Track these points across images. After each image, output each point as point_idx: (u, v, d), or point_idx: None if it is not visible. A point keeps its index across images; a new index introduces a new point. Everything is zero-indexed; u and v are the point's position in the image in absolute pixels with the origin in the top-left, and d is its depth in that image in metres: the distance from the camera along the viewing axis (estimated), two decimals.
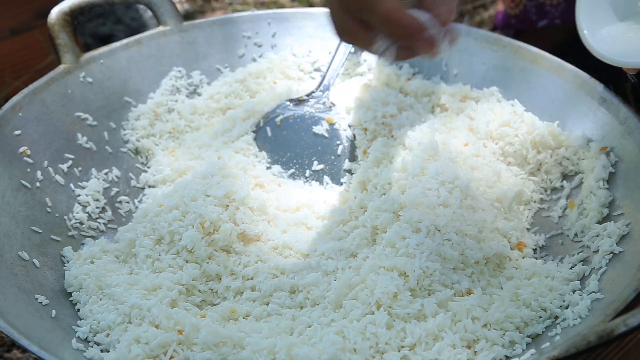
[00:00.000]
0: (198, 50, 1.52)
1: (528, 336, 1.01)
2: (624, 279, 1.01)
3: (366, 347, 0.96)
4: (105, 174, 1.34)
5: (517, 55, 1.40)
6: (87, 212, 1.27)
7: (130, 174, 1.37)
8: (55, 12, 1.35)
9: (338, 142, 1.35)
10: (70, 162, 1.30)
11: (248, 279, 1.13)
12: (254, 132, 1.40)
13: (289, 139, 1.37)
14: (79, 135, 1.34)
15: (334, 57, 1.47)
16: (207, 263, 1.13)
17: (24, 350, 1.29)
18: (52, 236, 1.19)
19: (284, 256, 1.18)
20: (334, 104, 1.40)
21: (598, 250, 1.10)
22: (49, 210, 1.22)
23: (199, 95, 1.50)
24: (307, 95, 1.42)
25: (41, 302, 1.06)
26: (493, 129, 1.32)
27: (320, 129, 1.36)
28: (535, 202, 1.27)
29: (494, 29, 2.06)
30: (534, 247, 1.20)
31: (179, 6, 2.33)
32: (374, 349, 0.96)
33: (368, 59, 1.53)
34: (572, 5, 1.28)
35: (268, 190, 1.30)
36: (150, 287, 1.08)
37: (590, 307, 1.00)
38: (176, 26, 1.50)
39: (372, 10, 0.98)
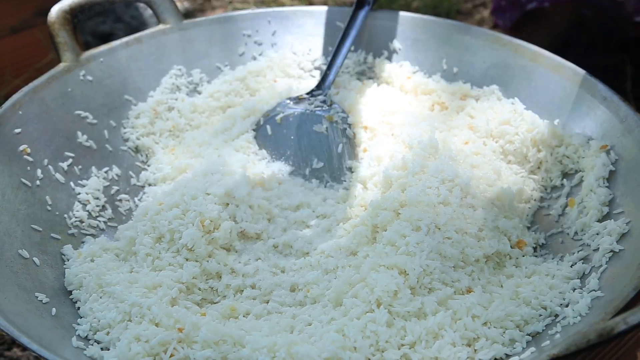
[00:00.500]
0: (198, 49, 1.52)
1: (528, 334, 1.01)
2: (624, 277, 1.01)
3: (366, 345, 0.96)
4: (106, 172, 1.34)
5: (517, 53, 1.40)
6: (87, 211, 1.27)
7: (131, 172, 1.38)
8: (55, 11, 1.35)
9: (338, 140, 1.35)
10: (70, 160, 1.30)
11: (248, 277, 1.13)
12: (254, 130, 1.40)
13: (289, 137, 1.37)
14: (79, 133, 1.34)
15: (334, 55, 1.47)
16: (207, 261, 1.13)
17: (24, 348, 1.29)
18: (52, 234, 1.19)
19: (284, 254, 1.18)
20: (334, 102, 1.40)
21: (598, 248, 1.10)
22: (49, 208, 1.22)
23: (199, 93, 1.50)
24: (308, 94, 1.42)
25: (41, 301, 1.06)
26: (493, 127, 1.32)
27: (321, 127, 1.36)
28: (535, 200, 1.27)
29: (494, 26, 2.06)
30: (534, 246, 1.20)
31: (179, 4, 2.33)
32: (374, 347, 0.96)
33: (368, 57, 1.53)
34: None
35: (268, 188, 1.30)
36: (150, 285, 1.08)
37: (590, 305, 1.00)
38: (176, 24, 1.50)
39: None
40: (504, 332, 1.00)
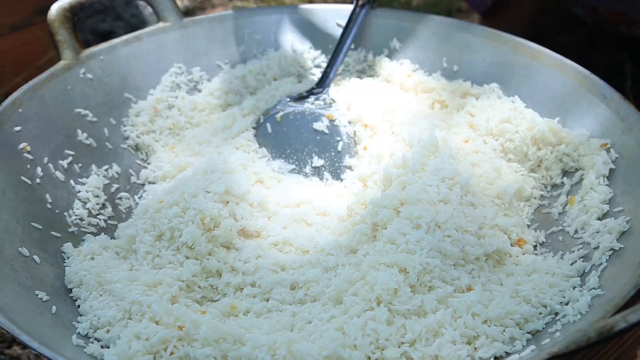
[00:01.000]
0: (198, 47, 1.52)
1: (528, 332, 1.01)
2: (624, 275, 1.01)
3: (366, 343, 0.96)
4: (106, 170, 1.34)
5: (517, 51, 1.40)
6: (87, 209, 1.27)
7: (131, 171, 1.38)
8: (55, 9, 1.35)
9: (338, 138, 1.35)
10: (70, 158, 1.30)
11: (248, 275, 1.13)
12: (254, 128, 1.40)
13: (289, 135, 1.37)
14: (79, 131, 1.34)
15: (334, 53, 1.46)
16: (207, 259, 1.13)
17: (24, 346, 1.29)
18: (52, 232, 1.19)
19: (284, 252, 1.18)
20: (334, 100, 1.40)
21: (598, 246, 1.10)
22: (49, 206, 1.22)
23: (199, 91, 1.50)
24: (308, 92, 1.42)
25: (41, 298, 1.06)
26: (493, 125, 1.32)
27: (321, 125, 1.36)
28: (535, 198, 1.27)
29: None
30: (534, 244, 1.20)
31: (179, 2, 2.32)
32: (374, 345, 0.96)
33: (368, 55, 1.53)
34: None
35: (268, 186, 1.30)
36: (150, 283, 1.08)
37: (590, 304, 1.00)
38: (176, 22, 1.50)
39: None
40: (504, 330, 1.00)
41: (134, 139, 1.40)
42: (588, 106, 1.28)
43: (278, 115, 1.38)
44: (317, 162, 1.35)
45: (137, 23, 2.12)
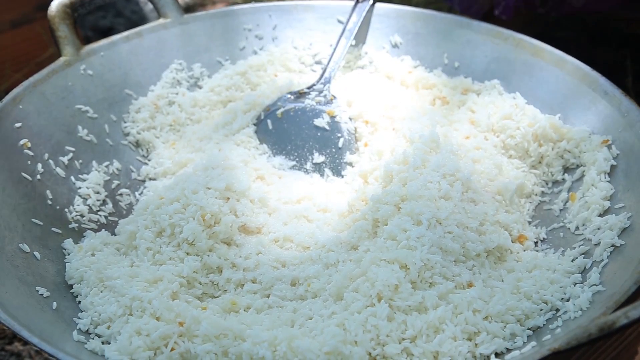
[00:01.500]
0: (199, 43, 1.52)
1: (529, 328, 1.01)
2: (625, 272, 1.00)
3: (367, 339, 0.96)
4: (106, 166, 1.34)
5: (518, 47, 1.39)
6: (88, 205, 1.27)
7: (131, 167, 1.37)
8: (55, 5, 1.35)
9: (339, 134, 1.35)
10: (70, 154, 1.30)
11: (249, 271, 1.13)
12: (254, 124, 1.40)
13: (290, 132, 1.37)
14: (80, 127, 1.34)
15: (335, 49, 1.46)
16: (208, 255, 1.13)
17: (25, 342, 1.29)
18: (52, 228, 1.19)
19: (285, 248, 1.18)
20: (335, 97, 1.40)
21: (599, 242, 1.10)
22: (49, 202, 1.22)
23: (200, 87, 1.50)
24: (308, 88, 1.42)
25: (42, 295, 1.06)
26: (494, 121, 1.32)
27: (321, 122, 1.36)
28: (536, 194, 1.27)
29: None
30: (535, 240, 1.20)
31: None
32: (375, 341, 0.96)
33: (369, 51, 1.53)
34: None
35: (269, 182, 1.30)
36: (151, 279, 1.08)
37: (591, 300, 1.00)
38: (177, 19, 1.50)
39: None
40: (505, 327, 1.00)
41: (134, 135, 1.40)
42: (589, 103, 1.28)
43: (279, 112, 1.38)
44: (318, 158, 1.34)
45: (137, 19, 2.11)
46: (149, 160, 1.40)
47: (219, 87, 1.47)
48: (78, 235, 1.22)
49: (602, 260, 1.07)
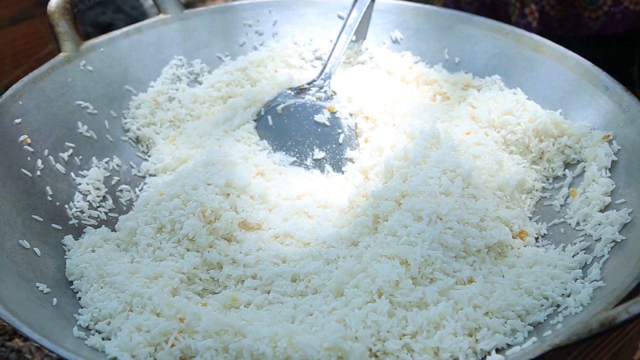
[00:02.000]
0: (199, 39, 1.51)
1: (530, 324, 1.01)
2: (626, 267, 1.00)
3: (367, 335, 0.96)
4: (106, 162, 1.34)
5: (519, 43, 1.39)
6: (88, 201, 1.27)
7: (131, 163, 1.37)
8: (55, 1, 1.35)
9: (339, 130, 1.35)
10: (70, 150, 1.30)
11: (249, 267, 1.13)
12: (255, 120, 1.39)
13: (290, 128, 1.36)
14: (80, 123, 1.34)
15: (335, 45, 1.46)
16: (208, 251, 1.13)
17: (25, 338, 1.29)
18: (53, 225, 1.19)
19: (285, 244, 1.18)
20: (335, 93, 1.40)
21: (600, 238, 1.10)
22: (49, 198, 1.22)
23: (200, 83, 1.50)
24: (309, 84, 1.42)
25: (42, 291, 1.06)
26: (495, 117, 1.31)
27: (322, 118, 1.36)
28: (537, 190, 1.27)
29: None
30: (536, 236, 1.19)
31: None
32: (376, 337, 0.96)
33: (370, 47, 1.53)
34: None
35: (269, 178, 1.29)
36: (151, 275, 1.08)
37: (592, 295, 1.00)
38: (177, 14, 1.49)
39: None
40: (506, 322, 1.00)
41: (134, 132, 1.40)
42: (590, 98, 1.27)
43: (279, 108, 1.38)
44: (318, 154, 1.34)
45: (137, 15, 2.11)
46: (149, 156, 1.39)
47: (219, 83, 1.47)
48: (78, 231, 1.22)
49: (603, 255, 1.07)
